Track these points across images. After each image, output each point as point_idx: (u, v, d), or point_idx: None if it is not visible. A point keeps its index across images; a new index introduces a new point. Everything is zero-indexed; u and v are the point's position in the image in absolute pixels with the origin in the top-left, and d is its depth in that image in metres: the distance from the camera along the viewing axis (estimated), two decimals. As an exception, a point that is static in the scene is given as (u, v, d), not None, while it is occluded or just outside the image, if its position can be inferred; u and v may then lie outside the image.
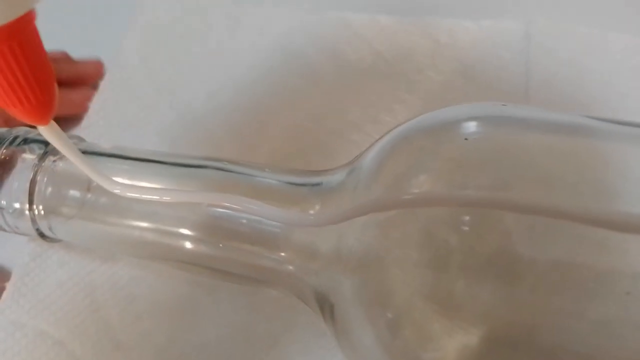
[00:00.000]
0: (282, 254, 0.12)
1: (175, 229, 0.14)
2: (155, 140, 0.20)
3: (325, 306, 0.13)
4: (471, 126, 0.11)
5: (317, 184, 0.12)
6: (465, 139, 0.11)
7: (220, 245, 0.13)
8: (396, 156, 0.12)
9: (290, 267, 0.12)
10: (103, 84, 0.22)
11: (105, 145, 0.16)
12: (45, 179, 0.15)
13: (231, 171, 0.13)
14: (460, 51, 0.21)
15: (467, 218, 0.12)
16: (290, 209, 0.12)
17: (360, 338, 0.12)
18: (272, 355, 0.16)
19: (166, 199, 0.13)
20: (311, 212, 0.12)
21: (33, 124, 0.13)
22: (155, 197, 0.13)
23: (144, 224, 0.14)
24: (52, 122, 0.13)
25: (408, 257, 0.12)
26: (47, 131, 0.13)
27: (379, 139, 0.13)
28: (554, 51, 0.21)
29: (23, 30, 0.11)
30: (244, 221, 0.12)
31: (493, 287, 0.13)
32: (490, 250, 0.12)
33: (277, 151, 0.20)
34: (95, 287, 0.17)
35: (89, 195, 0.15)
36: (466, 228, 0.12)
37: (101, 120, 0.21)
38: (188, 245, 0.13)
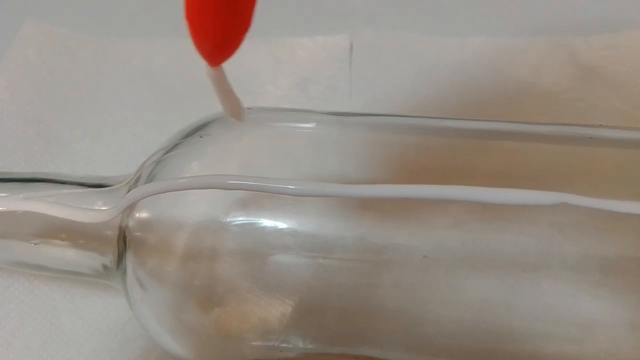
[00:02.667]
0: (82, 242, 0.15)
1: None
2: (23, 165, 0.22)
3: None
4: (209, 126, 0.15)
5: (105, 186, 0.15)
6: (200, 136, 0.14)
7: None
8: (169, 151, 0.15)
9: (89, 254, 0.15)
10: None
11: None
12: None
13: (43, 180, 0.15)
14: (298, 66, 0.24)
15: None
16: (79, 208, 0.14)
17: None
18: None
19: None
20: (96, 208, 0.15)
21: (209, 59, 0.12)
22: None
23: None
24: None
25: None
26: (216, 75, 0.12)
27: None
28: (375, 58, 0.24)
29: None
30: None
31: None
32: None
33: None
34: None
35: None
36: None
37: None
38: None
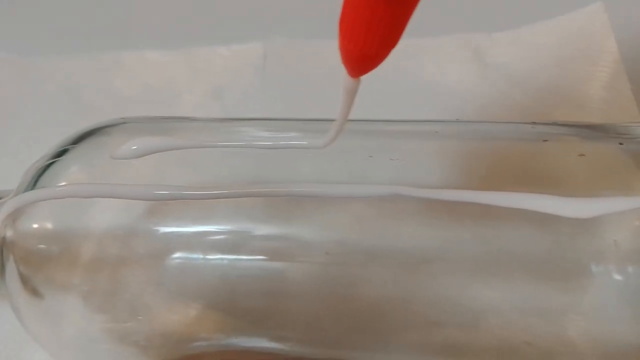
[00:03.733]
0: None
1: None
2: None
3: None
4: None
5: None
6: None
7: None
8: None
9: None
10: None
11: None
12: None
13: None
14: (214, 74, 0.25)
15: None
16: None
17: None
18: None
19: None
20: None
21: (352, 68, 0.12)
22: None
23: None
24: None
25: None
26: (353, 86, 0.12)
27: None
28: (288, 64, 0.24)
29: None
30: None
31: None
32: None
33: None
34: None
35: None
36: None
37: None
38: None
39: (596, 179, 0.14)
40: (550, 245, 0.17)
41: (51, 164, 0.16)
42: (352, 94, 0.13)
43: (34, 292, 0.16)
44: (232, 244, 0.17)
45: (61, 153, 0.16)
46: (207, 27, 0.26)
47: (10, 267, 0.16)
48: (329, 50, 0.24)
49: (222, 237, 0.17)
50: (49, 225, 0.16)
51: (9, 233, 0.15)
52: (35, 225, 0.16)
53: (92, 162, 0.16)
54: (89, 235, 0.17)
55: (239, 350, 0.17)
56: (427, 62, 0.24)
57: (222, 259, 0.17)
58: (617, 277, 0.16)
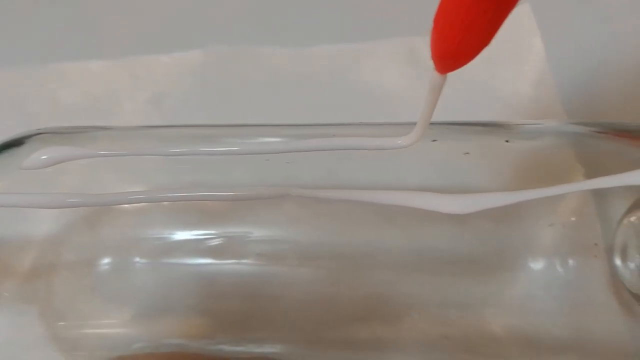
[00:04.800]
0: None
1: None
2: None
3: None
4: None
5: None
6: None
7: None
8: None
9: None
10: None
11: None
12: None
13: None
14: (155, 82, 0.25)
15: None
16: None
17: None
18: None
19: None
20: None
21: (443, 66, 0.12)
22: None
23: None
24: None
25: None
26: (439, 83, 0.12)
27: None
28: (227, 71, 0.25)
29: None
30: None
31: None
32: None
33: None
34: None
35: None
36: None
37: None
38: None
39: (480, 175, 0.14)
40: (473, 241, 0.17)
41: None
42: (438, 91, 0.13)
43: None
44: (166, 248, 0.17)
45: None
46: (149, 35, 0.26)
47: None
48: (268, 56, 0.25)
49: (155, 242, 0.18)
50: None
51: None
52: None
53: (3, 173, 0.16)
54: (19, 243, 0.17)
55: (171, 352, 0.18)
56: (364, 66, 0.24)
57: (155, 263, 0.17)
58: (540, 270, 0.17)
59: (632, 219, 0.15)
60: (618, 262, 0.15)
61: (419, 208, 0.12)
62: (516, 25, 0.23)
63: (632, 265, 0.15)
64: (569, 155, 0.15)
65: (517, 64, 0.23)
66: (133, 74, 0.25)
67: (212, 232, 0.17)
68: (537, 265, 0.17)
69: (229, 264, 0.17)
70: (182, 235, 0.18)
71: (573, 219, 0.17)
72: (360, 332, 0.17)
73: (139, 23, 0.27)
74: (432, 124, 0.13)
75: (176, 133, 0.17)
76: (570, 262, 0.16)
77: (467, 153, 0.14)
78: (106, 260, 0.17)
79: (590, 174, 0.15)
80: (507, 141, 0.14)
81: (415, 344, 0.17)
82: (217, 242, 0.17)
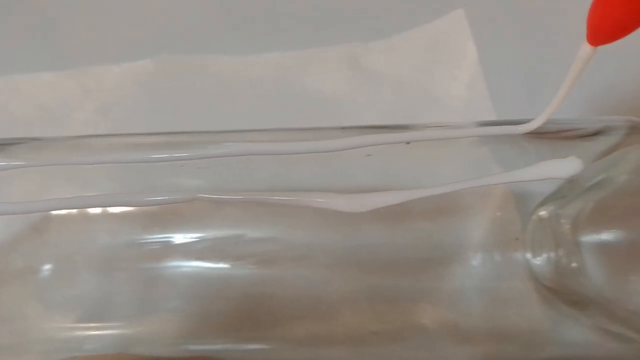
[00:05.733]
0: None
1: None
2: None
3: None
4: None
5: None
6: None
7: None
8: None
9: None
10: None
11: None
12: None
13: None
14: (104, 93, 0.26)
15: None
16: None
17: None
18: None
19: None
20: None
21: (598, 37, 0.12)
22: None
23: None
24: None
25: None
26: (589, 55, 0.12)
27: None
28: (175, 79, 0.25)
29: None
30: None
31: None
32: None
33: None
34: None
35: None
36: None
37: None
38: None
39: (380, 176, 0.15)
40: (404, 238, 0.18)
41: None
42: (585, 63, 0.12)
43: None
44: (107, 256, 0.18)
45: None
46: (100, 46, 0.27)
47: None
48: (215, 65, 0.26)
49: (102, 249, 0.18)
50: None
51: None
52: None
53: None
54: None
55: (117, 354, 0.18)
56: (307, 73, 0.25)
57: (101, 270, 0.18)
58: (466, 264, 0.17)
59: (542, 213, 0.16)
60: (529, 256, 0.16)
61: (320, 208, 0.13)
62: (451, 30, 0.24)
63: (539, 260, 0.16)
64: (474, 154, 0.16)
65: (453, 67, 0.24)
66: (83, 85, 0.26)
67: (155, 235, 0.18)
68: (464, 259, 0.17)
69: (169, 267, 0.18)
70: (127, 240, 0.18)
71: (498, 214, 0.18)
72: (295, 330, 0.18)
73: (90, 34, 0.27)
74: (345, 128, 0.14)
75: (103, 142, 0.18)
76: (495, 256, 0.17)
77: (369, 155, 0.15)
78: (51, 266, 0.18)
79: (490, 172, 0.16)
80: (407, 143, 0.14)
81: (346, 340, 0.17)
82: (156, 247, 0.18)
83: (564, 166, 0.13)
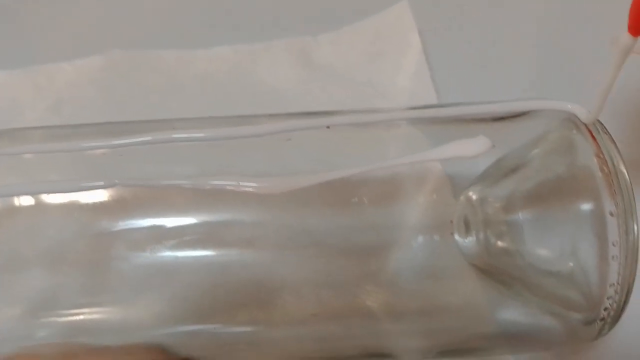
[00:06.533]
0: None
1: None
2: None
3: None
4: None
5: None
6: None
7: None
8: None
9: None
10: None
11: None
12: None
13: None
14: (55, 91, 0.26)
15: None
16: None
17: None
18: None
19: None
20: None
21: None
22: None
23: None
24: None
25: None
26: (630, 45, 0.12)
27: None
28: (126, 75, 0.26)
29: None
30: None
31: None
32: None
33: None
34: None
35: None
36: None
37: None
38: None
39: (299, 160, 0.16)
40: (346, 223, 0.18)
41: None
42: (626, 54, 0.12)
43: None
44: (56, 249, 0.18)
45: None
46: (50, 44, 0.27)
47: None
48: (166, 60, 0.26)
49: (48, 242, 0.18)
50: None
51: None
52: None
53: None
54: None
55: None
56: (257, 66, 0.26)
57: (49, 262, 0.18)
58: (408, 247, 0.18)
59: (470, 194, 0.17)
60: (458, 237, 0.17)
61: (240, 191, 0.13)
62: (396, 22, 0.25)
63: (468, 240, 0.17)
64: (397, 137, 0.17)
65: (398, 57, 0.25)
66: (35, 83, 0.26)
67: (96, 227, 0.18)
68: (403, 242, 0.18)
69: (115, 257, 0.18)
70: (72, 231, 0.18)
71: (434, 197, 0.18)
72: (240, 317, 0.18)
73: (40, 32, 0.27)
74: (262, 116, 0.14)
75: (40, 133, 0.18)
76: (433, 237, 0.18)
77: (289, 140, 0.15)
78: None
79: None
80: (327, 127, 0.15)
81: (284, 325, 0.18)
82: (102, 237, 0.18)
83: (473, 145, 0.13)
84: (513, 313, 0.17)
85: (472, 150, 0.13)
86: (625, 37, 0.12)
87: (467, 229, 0.17)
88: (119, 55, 0.26)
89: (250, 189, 0.13)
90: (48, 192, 0.15)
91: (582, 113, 0.15)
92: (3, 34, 0.28)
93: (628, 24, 0.12)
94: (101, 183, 0.14)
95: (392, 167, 0.14)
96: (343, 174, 0.13)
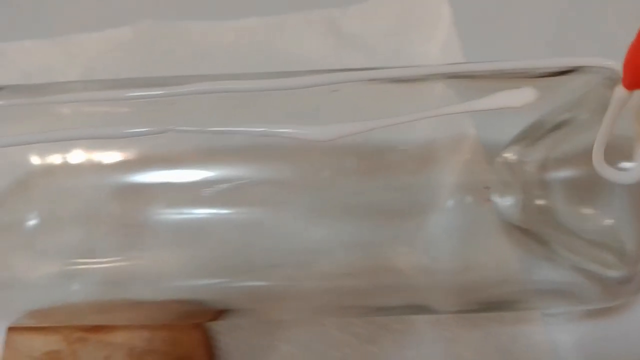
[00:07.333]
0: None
1: None
2: None
3: None
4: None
5: None
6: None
7: None
8: None
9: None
10: None
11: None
12: None
13: None
14: (87, 59, 0.26)
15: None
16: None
17: None
18: None
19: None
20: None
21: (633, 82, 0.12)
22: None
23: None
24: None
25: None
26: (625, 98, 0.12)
27: None
28: (156, 46, 0.26)
29: None
30: None
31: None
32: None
33: None
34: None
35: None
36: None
37: None
38: None
39: (345, 109, 0.16)
40: (379, 188, 0.19)
41: None
42: (621, 107, 0.12)
43: None
44: (91, 206, 0.18)
45: None
46: (81, 14, 0.27)
47: None
48: (193, 30, 0.26)
49: (84, 199, 0.19)
50: None
51: None
52: None
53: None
54: None
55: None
56: (285, 37, 0.26)
57: (85, 218, 0.18)
58: (441, 210, 0.18)
59: (507, 155, 0.17)
60: (497, 199, 0.17)
61: (288, 137, 0.13)
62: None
63: (507, 200, 0.17)
64: (436, 92, 0.17)
65: (429, 29, 0.25)
66: (66, 52, 0.26)
67: (133, 185, 0.18)
68: (437, 205, 0.18)
69: (151, 214, 0.18)
70: (107, 190, 0.19)
71: (469, 160, 0.18)
72: (273, 275, 0.18)
73: (72, 2, 0.28)
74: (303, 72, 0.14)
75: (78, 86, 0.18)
76: (466, 200, 0.18)
77: (336, 90, 0.15)
78: (36, 218, 0.18)
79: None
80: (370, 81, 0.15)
81: (321, 282, 0.18)
82: (138, 195, 0.18)
83: (520, 95, 0.13)
84: (548, 271, 0.17)
85: (519, 100, 0.13)
86: (620, 90, 0.12)
87: (505, 189, 0.17)
88: (148, 25, 0.26)
89: (302, 136, 0.13)
90: (103, 137, 0.15)
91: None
92: (34, 3, 0.28)
93: (622, 78, 0.12)
94: (155, 129, 0.14)
95: (439, 115, 0.14)
96: (391, 122, 0.13)
